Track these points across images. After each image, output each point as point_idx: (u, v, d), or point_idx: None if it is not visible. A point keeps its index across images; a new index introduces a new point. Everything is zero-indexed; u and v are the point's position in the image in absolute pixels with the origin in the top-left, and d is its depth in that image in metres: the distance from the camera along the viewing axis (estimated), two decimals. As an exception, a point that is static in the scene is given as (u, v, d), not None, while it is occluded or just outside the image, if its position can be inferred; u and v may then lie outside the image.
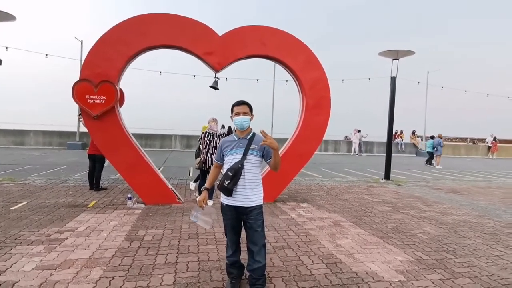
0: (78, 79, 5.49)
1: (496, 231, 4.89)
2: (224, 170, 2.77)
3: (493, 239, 4.48)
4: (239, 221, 2.78)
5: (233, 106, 2.80)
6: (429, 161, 15.85)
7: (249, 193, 2.69)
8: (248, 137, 2.76)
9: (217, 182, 2.91)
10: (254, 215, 2.70)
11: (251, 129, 2.83)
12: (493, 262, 3.65)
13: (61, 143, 17.71)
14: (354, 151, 21.32)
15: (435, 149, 15.29)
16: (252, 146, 2.72)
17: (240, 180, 2.66)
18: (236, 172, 2.66)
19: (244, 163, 2.68)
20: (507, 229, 5.01)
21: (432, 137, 16.29)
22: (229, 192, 2.68)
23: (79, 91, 5.45)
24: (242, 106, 2.77)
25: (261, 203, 2.77)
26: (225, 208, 2.77)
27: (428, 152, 16.03)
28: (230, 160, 2.73)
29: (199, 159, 6.18)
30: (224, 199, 2.77)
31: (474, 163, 18.39)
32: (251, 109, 2.82)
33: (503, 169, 15.27)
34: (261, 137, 2.63)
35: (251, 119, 2.80)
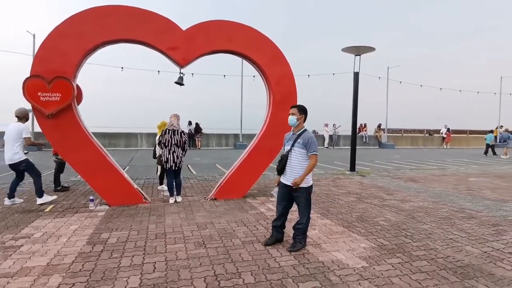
0: (29, 75, 5.12)
1: (450, 215, 5.25)
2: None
3: (447, 223, 4.81)
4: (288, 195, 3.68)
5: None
6: (486, 152, 17.50)
7: (294, 176, 3.54)
8: (297, 133, 3.62)
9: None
10: (299, 193, 3.61)
11: (303, 126, 3.67)
12: (448, 245, 3.92)
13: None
14: (328, 145, 21.93)
15: (506, 142, 17.04)
16: (299, 140, 3.55)
17: (287, 165, 3.61)
18: (282, 158, 3.64)
19: (291, 153, 3.59)
20: (460, 213, 5.39)
21: (491, 131, 18.12)
22: (278, 172, 3.71)
23: (30, 88, 5.05)
24: (292, 109, 3.67)
25: (305, 186, 3.59)
26: (280, 184, 3.74)
27: (486, 144, 17.53)
28: (284, 149, 3.72)
29: (160, 156, 6.06)
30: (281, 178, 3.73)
31: (430, 153, 19.63)
32: (300, 110, 3.65)
33: (455, 158, 16.42)
34: (309, 134, 3.56)
35: (298, 119, 3.62)
